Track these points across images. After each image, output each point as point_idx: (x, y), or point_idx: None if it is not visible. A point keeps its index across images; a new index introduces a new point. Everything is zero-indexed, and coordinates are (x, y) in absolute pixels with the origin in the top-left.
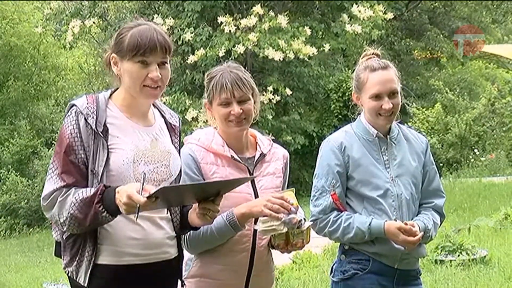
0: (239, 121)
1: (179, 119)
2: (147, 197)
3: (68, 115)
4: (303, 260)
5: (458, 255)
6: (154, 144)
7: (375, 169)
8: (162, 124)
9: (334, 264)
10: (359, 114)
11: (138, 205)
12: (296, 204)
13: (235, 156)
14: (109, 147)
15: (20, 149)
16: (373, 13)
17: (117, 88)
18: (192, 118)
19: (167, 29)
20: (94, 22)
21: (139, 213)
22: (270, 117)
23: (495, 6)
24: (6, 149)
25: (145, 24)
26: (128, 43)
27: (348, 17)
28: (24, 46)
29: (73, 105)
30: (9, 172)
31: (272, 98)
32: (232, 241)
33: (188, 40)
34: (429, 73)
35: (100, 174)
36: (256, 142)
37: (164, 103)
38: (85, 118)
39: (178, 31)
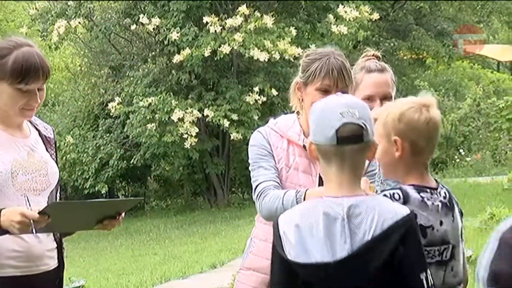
0: None
1: (53, 131)
2: (39, 213)
3: None
4: None
5: None
6: (31, 154)
7: None
8: (37, 137)
9: None
10: None
11: (31, 221)
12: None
13: None
14: None
15: None
16: (359, 14)
17: None
18: (178, 118)
19: (153, 28)
20: (79, 23)
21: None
22: (256, 117)
23: (480, 6)
24: None
25: (26, 46)
26: (11, 68)
27: (334, 18)
28: None
29: None
30: None
31: (258, 99)
32: None
33: (174, 40)
34: (414, 74)
35: None
36: None
37: (150, 104)
38: None
39: (164, 30)
